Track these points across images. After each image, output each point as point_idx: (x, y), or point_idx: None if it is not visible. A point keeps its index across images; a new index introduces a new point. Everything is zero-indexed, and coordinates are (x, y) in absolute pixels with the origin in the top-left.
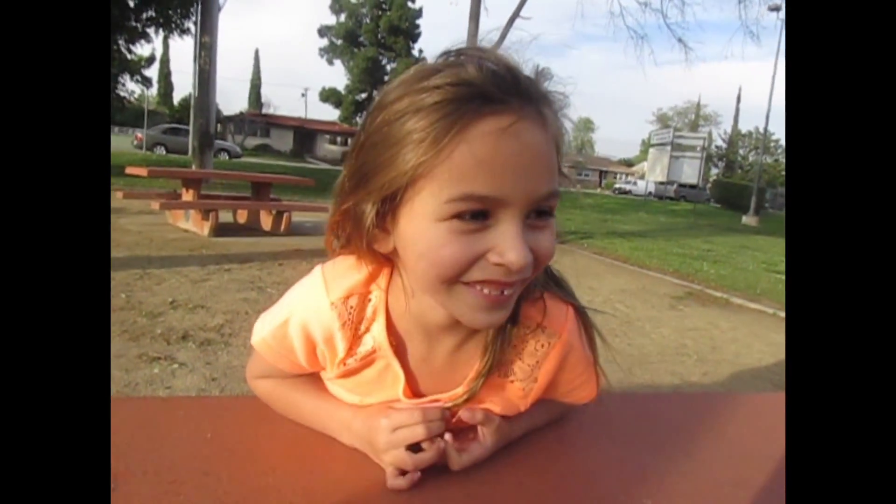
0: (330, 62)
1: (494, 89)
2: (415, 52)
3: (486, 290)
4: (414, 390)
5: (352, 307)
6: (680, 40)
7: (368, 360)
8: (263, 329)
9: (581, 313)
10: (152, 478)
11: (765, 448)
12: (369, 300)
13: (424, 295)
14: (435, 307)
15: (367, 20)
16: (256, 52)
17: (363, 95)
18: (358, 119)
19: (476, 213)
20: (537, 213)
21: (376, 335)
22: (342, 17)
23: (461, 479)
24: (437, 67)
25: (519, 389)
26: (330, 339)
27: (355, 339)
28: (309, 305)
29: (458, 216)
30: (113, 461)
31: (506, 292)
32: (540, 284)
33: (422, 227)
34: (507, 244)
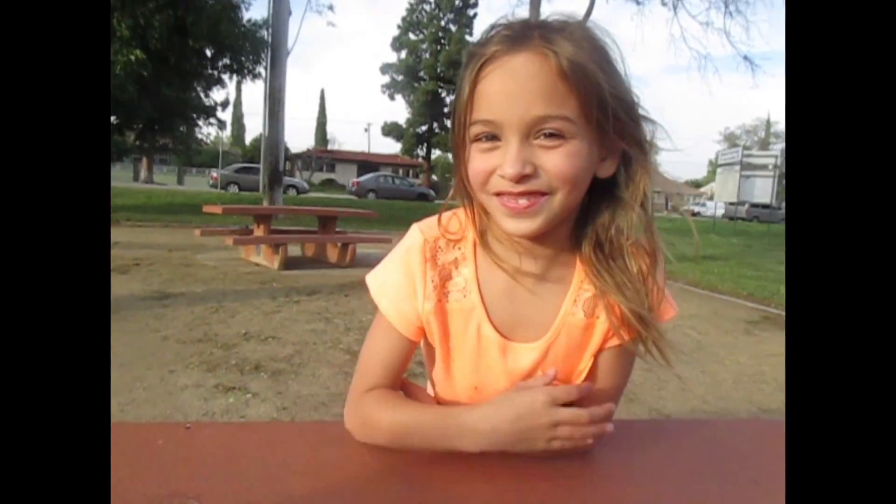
0: (391, 98)
1: (497, 45)
2: None
3: (505, 199)
4: (497, 326)
5: (440, 247)
6: (745, 57)
7: (461, 308)
8: (377, 279)
9: (659, 251)
10: (232, 497)
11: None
12: (458, 248)
13: (503, 239)
14: (511, 253)
15: (427, 56)
16: (322, 92)
17: (423, 128)
18: (419, 151)
19: (488, 136)
20: (546, 136)
21: (466, 275)
22: (403, 55)
23: (514, 492)
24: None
25: (601, 328)
26: (423, 272)
27: (444, 275)
28: (408, 246)
29: (478, 138)
30: (193, 482)
31: (520, 202)
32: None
33: (469, 150)
34: (505, 159)
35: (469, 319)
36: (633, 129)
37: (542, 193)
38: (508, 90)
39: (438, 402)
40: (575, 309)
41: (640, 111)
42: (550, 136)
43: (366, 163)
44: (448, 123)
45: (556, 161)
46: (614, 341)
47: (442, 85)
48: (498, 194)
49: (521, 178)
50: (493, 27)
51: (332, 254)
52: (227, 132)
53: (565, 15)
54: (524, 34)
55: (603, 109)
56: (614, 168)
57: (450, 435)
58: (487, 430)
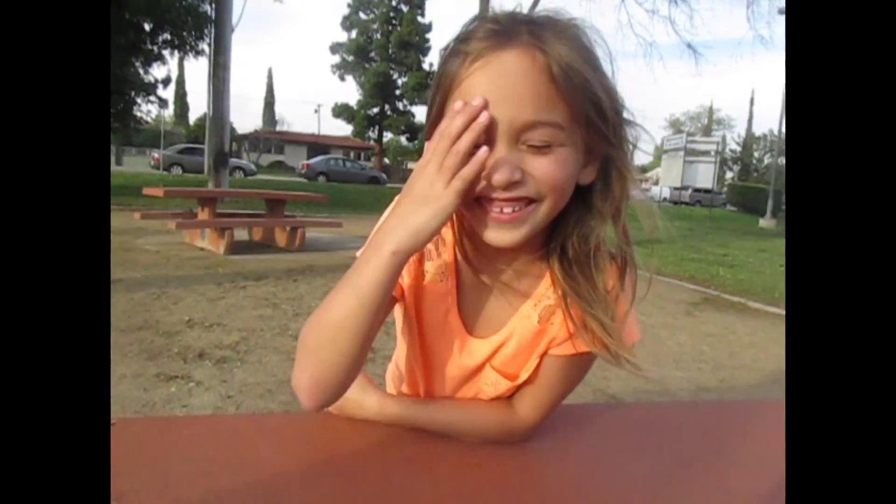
0: (342, 78)
1: (482, 40)
2: (426, 66)
3: (489, 206)
4: (463, 318)
5: None
6: (689, 45)
7: (435, 290)
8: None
9: (630, 265)
10: (155, 497)
11: (763, 456)
12: (441, 236)
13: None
14: (482, 258)
15: (378, 36)
16: (270, 71)
17: (375, 110)
18: (371, 133)
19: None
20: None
21: (445, 259)
22: (353, 34)
23: (452, 480)
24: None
25: (552, 333)
26: None
27: (422, 253)
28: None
29: None
30: (117, 480)
31: (506, 210)
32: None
33: None
34: (492, 164)
35: (440, 303)
36: (621, 133)
37: (530, 201)
38: (497, 90)
39: (399, 370)
40: (532, 313)
41: (625, 114)
42: (543, 141)
43: (316, 145)
44: (400, 106)
45: (546, 167)
46: (564, 348)
47: (393, 66)
48: (479, 199)
49: (509, 185)
50: (475, 19)
51: (281, 238)
52: (170, 111)
53: (552, 10)
54: (512, 29)
55: (594, 115)
56: (595, 175)
57: (371, 250)
58: (389, 221)
